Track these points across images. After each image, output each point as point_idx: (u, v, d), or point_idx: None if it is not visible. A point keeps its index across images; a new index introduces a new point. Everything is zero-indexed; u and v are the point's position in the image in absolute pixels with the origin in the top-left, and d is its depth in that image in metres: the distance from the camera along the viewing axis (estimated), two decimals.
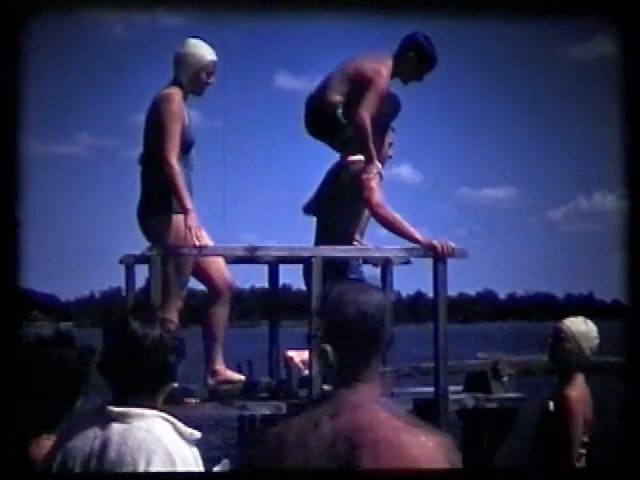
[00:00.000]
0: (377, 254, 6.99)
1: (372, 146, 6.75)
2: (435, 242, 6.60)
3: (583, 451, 4.75)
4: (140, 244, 6.37)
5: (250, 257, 6.60)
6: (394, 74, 6.89)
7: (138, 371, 2.64)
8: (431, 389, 6.73)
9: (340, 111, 6.81)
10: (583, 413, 4.75)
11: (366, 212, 6.87)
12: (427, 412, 6.63)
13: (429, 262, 6.66)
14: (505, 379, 6.98)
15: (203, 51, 6.45)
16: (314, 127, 6.94)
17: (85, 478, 2.60)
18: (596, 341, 4.93)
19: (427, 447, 2.29)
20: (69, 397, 3.03)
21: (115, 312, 2.81)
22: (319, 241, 6.95)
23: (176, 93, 6.36)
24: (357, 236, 6.93)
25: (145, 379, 2.66)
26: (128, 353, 2.64)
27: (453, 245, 6.62)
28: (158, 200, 6.31)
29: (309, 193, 7.18)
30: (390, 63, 6.87)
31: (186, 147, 6.39)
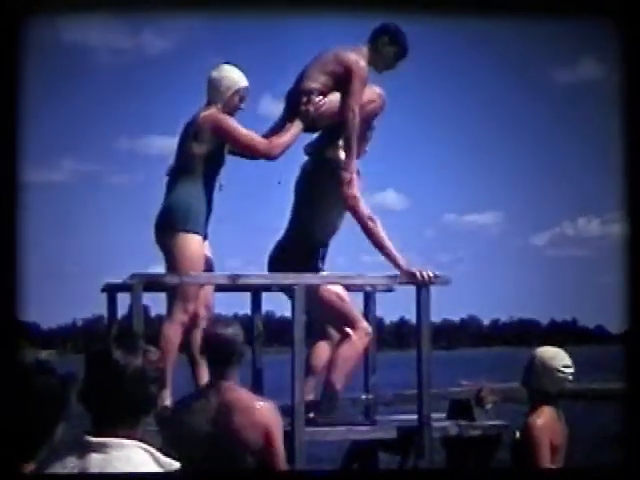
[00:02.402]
0: (360, 281, 6.98)
1: (355, 142, 6.75)
2: (415, 270, 6.58)
3: None
4: (123, 272, 6.36)
5: (233, 285, 6.59)
6: (368, 63, 6.89)
7: (119, 401, 2.62)
8: (414, 417, 6.71)
9: (315, 96, 6.79)
10: (549, 441, 4.76)
11: (337, 213, 6.86)
12: (410, 439, 6.62)
13: (413, 289, 6.66)
14: (489, 406, 6.97)
15: (237, 76, 6.60)
16: (293, 116, 6.83)
17: (85, 478, 2.58)
18: (567, 371, 4.92)
19: (269, 404, 4.19)
20: (49, 426, 3.00)
21: (97, 340, 2.79)
22: (291, 240, 6.89)
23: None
24: (325, 233, 6.89)
25: (126, 409, 2.64)
26: (109, 382, 2.63)
27: (434, 273, 6.62)
28: (176, 215, 6.39)
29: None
30: (366, 51, 6.91)
31: (219, 164, 6.56)
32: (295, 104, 6.79)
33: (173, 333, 6.30)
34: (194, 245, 6.38)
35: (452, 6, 3.29)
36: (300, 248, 6.78)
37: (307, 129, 6.84)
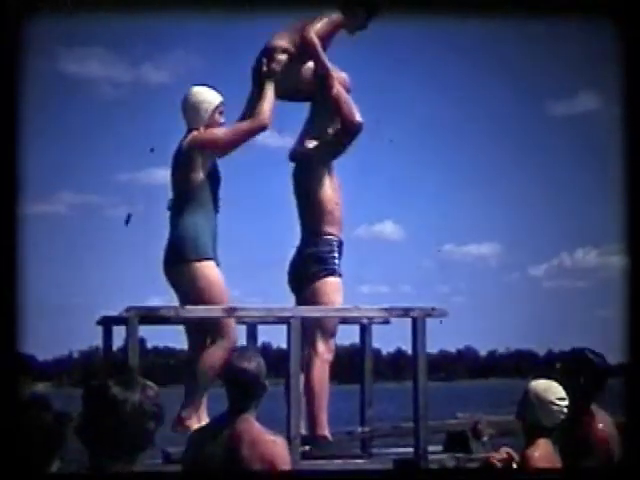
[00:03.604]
0: (356, 314, 6.97)
1: (325, 59, 6.81)
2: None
3: None
4: (119, 305, 6.34)
5: (229, 318, 6.58)
6: (341, 26, 6.97)
7: (116, 436, 2.62)
8: (411, 449, 6.68)
9: (281, 55, 6.83)
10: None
11: (330, 200, 6.88)
12: (407, 472, 6.59)
13: (409, 321, 6.65)
14: (485, 439, 6.95)
15: (212, 95, 6.66)
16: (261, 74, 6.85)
17: (87, 478, 2.56)
18: (562, 404, 4.89)
19: (277, 439, 4.21)
20: (44, 462, 2.99)
21: (94, 375, 2.79)
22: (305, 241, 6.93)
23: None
24: (332, 230, 6.90)
25: (123, 445, 2.63)
26: (107, 418, 2.62)
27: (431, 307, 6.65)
28: (182, 247, 6.39)
29: (292, 251, 7.16)
30: (338, 16, 6.93)
31: (216, 185, 6.57)
32: (261, 65, 6.83)
33: (218, 360, 6.19)
34: (209, 271, 6.37)
35: (451, 5, 3.31)
36: (314, 246, 6.83)
37: (280, 93, 6.84)
